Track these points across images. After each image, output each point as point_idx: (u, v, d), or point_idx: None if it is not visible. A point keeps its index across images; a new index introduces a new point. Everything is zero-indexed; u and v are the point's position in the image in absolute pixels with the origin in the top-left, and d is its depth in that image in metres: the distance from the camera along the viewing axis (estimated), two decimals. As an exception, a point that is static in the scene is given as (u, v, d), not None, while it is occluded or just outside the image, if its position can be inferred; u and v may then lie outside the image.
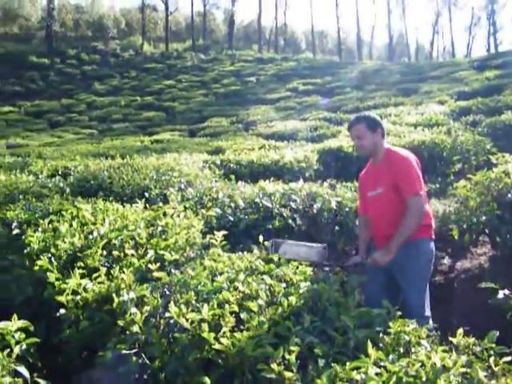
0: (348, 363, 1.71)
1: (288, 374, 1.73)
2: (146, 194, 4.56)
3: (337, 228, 4.12)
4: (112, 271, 2.54)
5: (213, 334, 1.91)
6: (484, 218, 3.82)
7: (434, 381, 1.61)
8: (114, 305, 2.25)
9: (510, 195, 3.76)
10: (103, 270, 2.57)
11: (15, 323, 2.02)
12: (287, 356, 1.78)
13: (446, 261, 4.65)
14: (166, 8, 54.46)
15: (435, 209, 4.61)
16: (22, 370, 1.85)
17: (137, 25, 59.42)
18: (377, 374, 1.65)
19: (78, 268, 2.62)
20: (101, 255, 2.82)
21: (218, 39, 62.42)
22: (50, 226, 3.29)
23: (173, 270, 2.58)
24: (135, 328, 2.09)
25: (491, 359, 1.75)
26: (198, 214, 3.59)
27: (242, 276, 2.38)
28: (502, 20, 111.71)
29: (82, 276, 2.54)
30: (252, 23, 66.59)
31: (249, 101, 27.62)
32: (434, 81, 24.47)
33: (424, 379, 1.63)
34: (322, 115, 16.02)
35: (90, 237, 3.01)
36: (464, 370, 1.67)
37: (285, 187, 4.23)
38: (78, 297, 2.43)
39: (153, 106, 29.93)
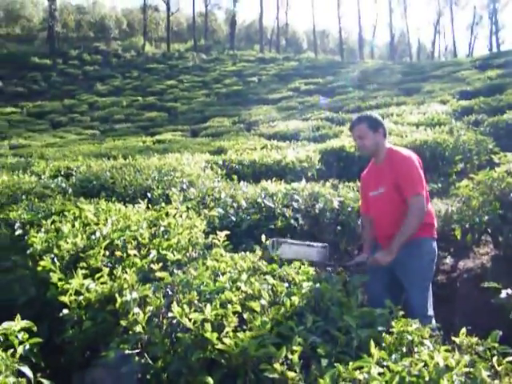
0: (351, 363, 1.71)
1: (291, 374, 1.73)
2: (149, 195, 4.56)
3: (339, 228, 4.11)
4: (115, 271, 2.55)
5: (215, 334, 1.91)
6: (486, 217, 3.82)
7: (437, 380, 1.61)
8: (117, 305, 2.26)
9: (512, 195, 3.76)
10: (106, 270, 2.57)
11: (18, 323, 2.02)
12: (290, 356, 1.78)
13: (449, 260, 4.64)
14: (168, 8, 54.57)
15: (437, 208, 4.60)
16: (26, 370, 1.86)
17: (138, 25, 59.46)
18: (380, 374, 1.65)
19: (81, 268, 2.62)
20: (103, 255, 2.82)
21: (219, 39, 62.44)
22: (53, 226, 3.30)
23: (175, 270, 2.58)
24: (138, 328, 2.09)
25: (494, 359, 1.75)
26: (201, 214, 3.59)
27: (244, 276, 2.38)
28: (504, 19, 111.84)
29: (85, 276, 2.55)
30: (253, 23, 66.59)
31: (251, 101, 27.61)
32: (436, 80, 24.45)
33: (427, 379, 1.63)
34: (324, 115, 16.00)
35: (93, 237, 3.01)
36: (467, 369, 1.67)
37: (287, 187, 4.24)
38: (81, 297, 2.43)
39: (155, 107, 29.96)
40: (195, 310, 2.05)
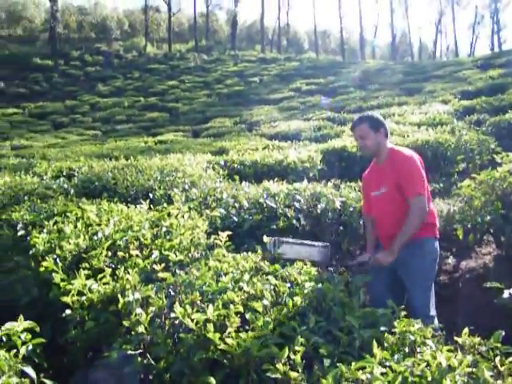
0: (353, 363, 1.71)
1: (293, 374, 1.74)
2: (151, 195, 4.57)
3: (341, 228, 4.12)
4: (117, 272, 2.55)
5: (218, 335, 1.91)
6: (488, 217, 3.82)
7: (439, 381, 1.61)
8: (119, 305, 2.26)
9: (514, 194, 3.76)
10: (108, 270, 2.58)
11: (21, 324, 2.03)
12: (292, 356, 1.79)
13: (451, 260, 4.63)
14: (169, 9, 54.59)
15: (439, 208, 4.60)
16: (29, 370, 1.86)
17: (140, 26, 59.51)
18: (382, 374, 1.65)
19: (83, 269, 2.63)
20: (106, 256, 2.83)
21: (220, 40, 62.45)
22: (55, 227, 3.30)
23: (178, 271, 2.58)
24: (140, 328, 2.09)
25: (497, 359, 1.75)
26: (203, 214, 3.59)
27: (246, 276, 2.39)
28: (506, 18, 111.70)
29: (87, 277, 2.55)
30: (255, 23, 66.58)
31: (252, 101, 27.61)
32: (438, 80, 24.42)
33: (429, 379, 1.63)
34: (326, 115, 15.99)
35: (95, 238, 3.02)
36: (470, 369, 1.67)
37: (289, 187, 4.24)
38: (84, 298, 2.44)
39: (156, 107, 29.97)
40: (197, 311, 2.06)
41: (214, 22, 64.78)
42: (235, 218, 3.67)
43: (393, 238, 3.04)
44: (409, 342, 1.95)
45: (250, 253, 2.81)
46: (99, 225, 3.24)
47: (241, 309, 2.07)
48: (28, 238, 3.25)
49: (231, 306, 2.06)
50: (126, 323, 2.15)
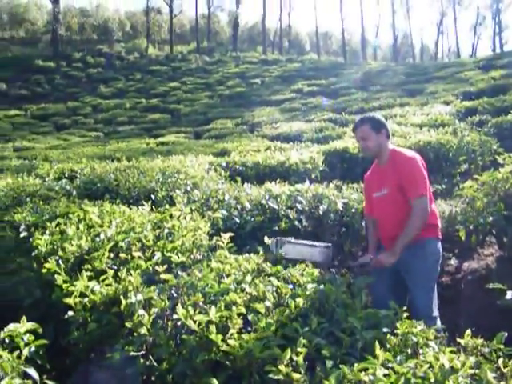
0: (356, 364, 1.71)
1: (296, 376, 1.73)
2: (153, 197, 4.57)
3: (343, 229, 4.12)
4: (119, 273, 2.55)
5: (220, 336, 1.91)
6: (491, 218, 3.81)
7: (442, 382, 1.61)
8: (122, 307, 2.26)
9: (517, 195, 3.75)
10: (110, 272, 2.58)
11: (24, 325, 2.03)
12: (295, 357, 1.78)
13: (453, 261, 4.63)
14: (171, 11, 54.65)
15: (441, 209, 4.60)
16: (32, 371, 1.86)
17: (141, 27, 59.59)
18: (385, 376, 1.64)
19: (86, 270, 2.63)
20: (108, 258, 2.83)
21: (222, 41, 62.50)
22: (58, 228, 3.31)
23: (180, 272, 2.58)
24: (143, 330, 2.09)
25: (500, 360, 1.74)
26: (205, 216, 3.59)
27: (249, 278, 2.39)
28: (508, 19, 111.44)
29: (90, 278, 2.55)
30: (256, 25, 66.64)
31: (254, 102, 27.61)
32: (439, 81, 24.39)
33: (432, 380, 1.62)
34: (327, 116, 15.99)
35: (97, 239, 3.02)
36: (472, 371, 1.67)
37: (291, 189, 4.24)
38: (86, 299, 2.44)
39: (158, 109, 30.00)
40: (200, 312, 2.06)
41: (215, 23, 64.83)
42: (237, 220, 3.67)
43: (394, 240, 3.04)
44: (411, 343, 1.95)
45: (252, 254, 2.81)
46: (101, 226, 3.25)
47: (243, 310, 2.07)
48: (30, 239, 3.26)
49: (233, 308, 2.06)
50: (128, 325, 2.15)
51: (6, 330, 2.00)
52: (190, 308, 2.06)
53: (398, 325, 2.04)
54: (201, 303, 2.16)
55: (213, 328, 1.93)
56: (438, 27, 61.29)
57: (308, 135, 11.91)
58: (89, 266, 2.74)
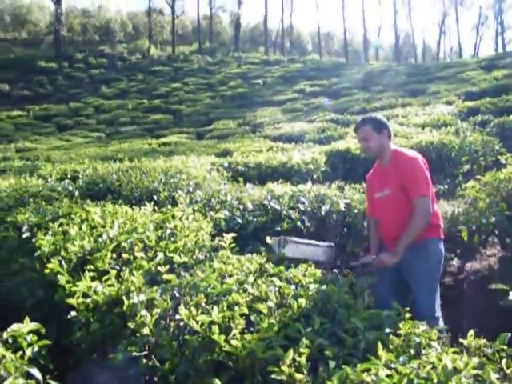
0: (358, 365, 1.70)
1: (298, 376, 1.73)
2: (155, 197, 4.57)
3: (345, 230, 4.12)
4: (122, 274, 2.55)
5: (223, 336, 1.91)
6: (493, 218, 3.81)
7: (445, 383, 1.61)
8: (124, 307, 2.26)
9: (519, 196, 3.74)
10: (113, 272, 2.58)
11: (27, 326, 2.03)
12: (297, 358, 1.78)
13: (455, 262, 4.62)
14: (173, 11, 54.69)
15: (444, 210, 4.59)
16: (35, 371, 1.87)
17: (143, 28, 59.68)
18: (387, 376, 1.64)
19: (88, 271, 2.63)
20: (110, 258, 2.83)
21: (224, 42, 62.51)
22: (60, 229, 3.31)
23: (182, 273, 2.58)
24: (145, 330, 2.10)
25: (503, 361, 1.74)
26: (207, 216, 3.60)
27: (251, 278, 2.39)
28: (510, 19, 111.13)
29: (92, 279, 2.56)
30: (258, 25, 66.66)
31: (256, 103, 27.62)
32: (442, 81, 24.36)
33: (435, 381, 1.62)
34: (329, 117, 15.98)
35: (100, 240, 3.02)
36: (475, 371, 1.67)
37: (293, 189, 4.24)
38: (89, 299, 2.44)
39: (160, 109, 30.03)
40: (202, 313, 2.06)
41: (217, 24, 64.85)
42: (239, 220, 3.67)
43: (396, 240, 3.03)
44: (414, 343, 1.95)
45: (254, 254, 2.82)
46: (104, 227, 3.25)
47: (245, 311, 2.07)
48: (33, 239, 3.26)
49: (236, 308, 2.06)
50: (130, 325, 2.15)
51: (9, 330, 2.00)
52: (192, 308, 2.06)
53: (400, 325, 2.04)
54: (203, 304, 2.16)
55: (215, 328, 1.93)
56: (440, 27, 61.26)
57: (310, 136, 11.91)
58: (91, 267, 2.74)
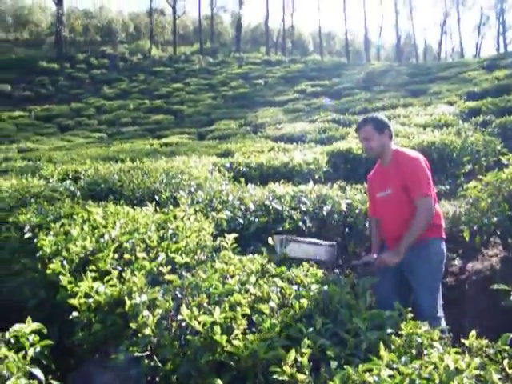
0: (360, 365, 1.70)
1: (300, 377, 1.73)
2: (156, 197, 4.58)
3: (347, 230, 4.11)
4: (124, 274, 2.56)
5: (225, 337, 1.91)
6: (495, 218, 3.80)
7: (447, 383, 1.61)
8: (126, 308, 2.27)
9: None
10: (115, 273, 2.58)
11: (29, 326, 2.04)
12: (299, 358, 1.78)
13: (457, 262, 4.62)
14: (174, 12, 54.78)
15: (445, 210, 4.59)
16: (37, 372, 1.87)
17: (145, 29, 59.71)
18: (389, 377, 1.64)
19: (90, 271, 2.64)
20: (112, 258, 2.83)
21: (225, 42, 62.53)
22: (62, 229, 3.32)
23: (184, 273, 2.58)
24: (147, 331, 2.10)
25: (505, 361, 1.74)
26: (209, 216, 3.60)
27: (253, 278, 2.39)
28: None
29: (94, 279, 2.56)
30: (259, 26, 66.65)
31: (257, 103, 27.64)
32: (443, 81, 24.35)
33: (437, 381, 1.62)
34: (331, 117, 15.98)
35: (102, 240, 3.02)
36: (477, 372, 1.67)
37: (294, 189, 4.24)
38: (91, 300, 2.44)
39: (161, 110, 30.06)
40: (204, 313, 2.06)
41: (218, 24, 64.87)
42: (241, 221, 3.67)
43: (398, 240, 3.03)
44: (416, 344, 1.95)
45: (256, 255, 2.82)
46: (106, 227, 3.25)
47: (247, 311, 2.07)
48: (35, 240, 3.27)
49: (238, 308, 2.06)
50: (132, 325, 2.16)
51: (11, 330, 2.01)
52: (194, 309, 2.07)
53: (402, 325, 2.04)
54: (205, 304, 2.16)
55: (217, 329, 1.93)
56: (442, 27, 61.22)
57: (311, 136, 11.91)
58: (93, 267, 2.75)
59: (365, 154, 6.42)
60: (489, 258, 4.55)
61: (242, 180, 5.06)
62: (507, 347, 1.84)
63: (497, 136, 8.36)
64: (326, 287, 2.31)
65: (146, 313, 2.15)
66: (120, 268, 2.77)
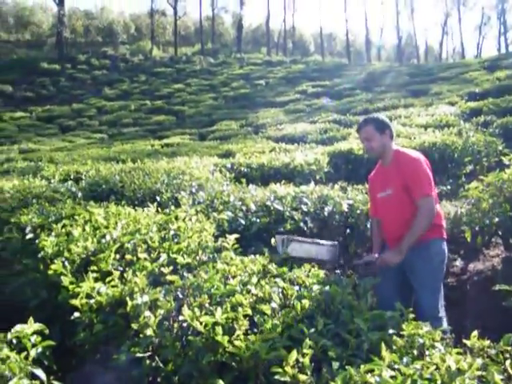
0: (362, 366, 1.70)
1: (302, 377, 1.73)
2: (158, 198, 4.58)
3: (348, 231, 4.11)
4: (125, 275, 2.56)
5: (226, 337, 1.91)
6: (497, 219, 3.80)
7: (449, 384, 1.61)
8: (128, 308, 2.27)
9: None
10: (116, 273, 2.58)
11: (31, 326, 2.04)
12: (301, 359, 1.78)
13: (459, 263, 4.61)
14: (175, 13, 54.87)
15: (447, 211, 4.58)
16: (39, 372, 1.87)
17: (146, 30, 59.83)
18: (391, 377, 1.64)
19: (92, 272, 2.64)
20: (114, 259, 2.84)
21: (226, 43, 62.59)
22: (63, 230, 3.32)
23: (186, 274, 2.58)
24: (149, 331, 2.10)
25: (507, 362, 1.74)
26: (210, 217, 3.60)
27: (254, 279, 2.39)
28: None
29: (96, 280, 2.56)
30: (260, 26, 66.70)
31: (258, 104, 27.66)
32: (444, 82, 24.35)
33: (439, 382, 1.62)
34: (332, 117, 15.99)
35: (103, 241, 3.03)
36: (479, 373, 1.66)
37: (296, 190, 4.24)
38: (92, 300, 2.44)
39: (162, 110, 30.09)
40: (206, 313, 2.06)
41: (219, 25, 64.95)
42: (242, 221, 3.67)
43: (399, 240, 3.03)
44: (417, 344, 1.94)
45: (257, 255, 2.82)
46: (107, 228, 3.26)
47: (249, 311, 2.07)
48: (36, 241, 3.27)
49: (239, 309, 2.06)
50: (134, 326, 2.16)
51: (13, 330, 2.01)
52: (195, 309, 2.07)
53: (404, 326, 2.03)
54: (207, 304, 2.16)
55: (219, 329, 1.93)
56: (443, 28, 61.21)
57: (312, 136, 11.91)
58: (95, 268, 2.75)
59: (366, 155, 6.42)
60: (490, 259, 4.54)
61: (244, 181, 5.06)
62: (509, 348, 1.84)
63: (498, 136, 8.36)
64: (327, 288, 2.31)
65: (147, 313, 2.16)
66: (121, 268, 2.77)
